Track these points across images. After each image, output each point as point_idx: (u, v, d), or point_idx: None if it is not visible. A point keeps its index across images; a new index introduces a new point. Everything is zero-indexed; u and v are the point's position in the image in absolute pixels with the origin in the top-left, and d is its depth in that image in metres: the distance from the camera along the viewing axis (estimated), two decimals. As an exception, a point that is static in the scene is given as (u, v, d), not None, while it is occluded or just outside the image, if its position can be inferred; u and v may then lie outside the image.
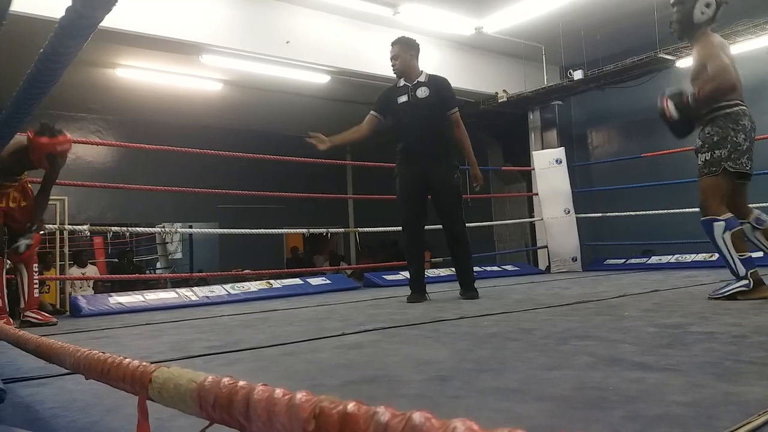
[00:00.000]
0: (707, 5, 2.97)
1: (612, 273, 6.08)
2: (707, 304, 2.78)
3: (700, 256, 5.97)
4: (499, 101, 8.12)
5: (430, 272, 6.25)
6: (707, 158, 2.92)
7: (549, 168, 6.93)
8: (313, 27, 6.55)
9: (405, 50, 3.85)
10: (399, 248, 10.15)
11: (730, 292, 2.88)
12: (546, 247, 7.04)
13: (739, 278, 2.88)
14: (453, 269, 4.21)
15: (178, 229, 7.10)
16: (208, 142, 6.77)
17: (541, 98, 8.15)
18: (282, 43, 6.31)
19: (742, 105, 2.93)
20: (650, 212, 6.26)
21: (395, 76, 3.90)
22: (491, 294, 4.12)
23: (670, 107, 2.95)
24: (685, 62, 6.50)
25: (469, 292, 3.81)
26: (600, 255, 7.21)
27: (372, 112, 3.93)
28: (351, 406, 0.53)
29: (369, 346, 2.03)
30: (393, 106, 3.87)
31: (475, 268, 6.18)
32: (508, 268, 6.56)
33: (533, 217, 7.96)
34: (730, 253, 2.88)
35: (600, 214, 6.92)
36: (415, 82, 3.83)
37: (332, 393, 1.40)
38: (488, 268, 6.25)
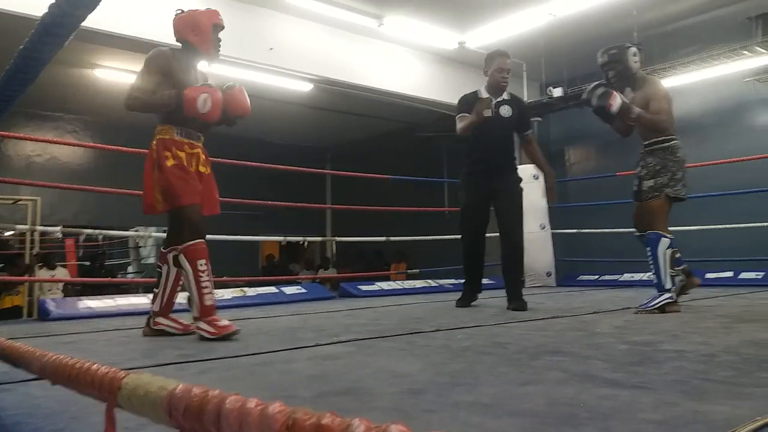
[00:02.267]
0: (635, 54, 3.48)
1: (585, 289, 6.14)
2: (677, 322, 2.82)
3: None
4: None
5: (406, 284, 6.25)
6: (651, 185, 3.35)
7: (527, 183, 6.90)
8: (298, 35, 6.55)
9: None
10: (382, 258, 10.15)
11: (660, 304, 3.24)
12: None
13: (664, 291, 3.27)
14: (456, 279, 4.52)
15: (152, 234, 7.00)
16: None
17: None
18: (265, 50, 6.29)
19: (676, 139, 3.40)
20: (623, 230, 6.34)
21: (503, 88, 3.94)
22: (465, 308, 4.13)
23: (617, 101, 3.28)
24: (666, 82, 6.62)
25: (516, 302, 3.78)
26: (574, 271, 7.28)
27: (460, 115, 3.89)
28: (325, 418, 0.53)
29: (343, 358, 2.02)
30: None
31: (451, 281, 6.23)
32: (484, 281, 6.57)
33: (510, 231, 8.01)
34: (665, 268, 3.29)
35: (575, 231, 7.00)
36: (500, 99, 3.91)
37: (306, 404, 1.39)
38: (463, 281, 6.26)
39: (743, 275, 5.58)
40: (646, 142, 3.45)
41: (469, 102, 3.86)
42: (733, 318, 2.91)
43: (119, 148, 5.04)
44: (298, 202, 6.13)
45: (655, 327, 2.65)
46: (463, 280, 4.28)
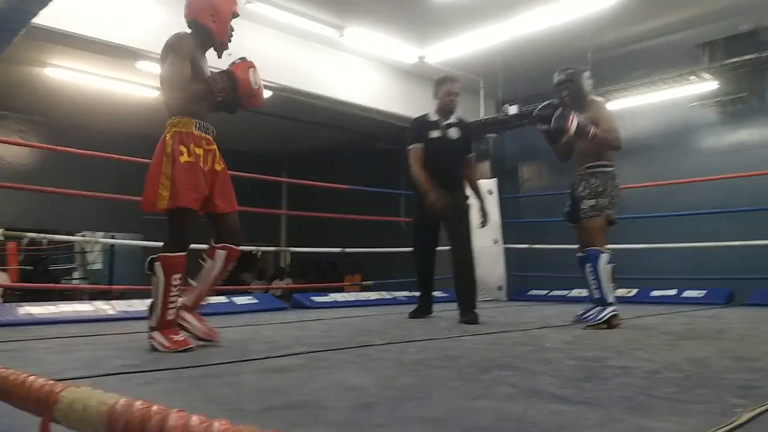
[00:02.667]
0: (589, 77, 3.69)
1: (535, 303, 6.24)
2: (623, 338, 2.89)
3: (619, 292, 6.21)
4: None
5: (360, 296, 6.23)
6: (593, 204, 3.51)
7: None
8: (257, 42, 6.48)
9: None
10: (336, 269, 10.09)
11: (606, 317, 3.35)
12: (474, 275, 7.15)
13: (607, 305, 3.41)
14: (418, 291, 4.53)
15: (99, 239, 6.79)
16: (140, 149, 6.55)
17: (476, 130, 8.34)
18: (223, 55, 6.20)
19: (614, 166, 3.61)
20: (573, 246, 6.49)
21: (452, 111, 4.08)
22: (418, 319, 4.14)
23: (574, 123, 3.39)
24: (615, 104, 6.84)
25: (466, 315, 3.82)
26: (525, 285, 7.39)
27: (416, 146, 4.06)
28: (271, 438, 0.51)
29: (293, 370, 1.99)
30: (424, 139, 4.05)
31: (405, 293, 6.23)
32: (437, 294, 6.60)
33: (464, 245, 8.09)
34: (607, 282, 3.43)
35: (526, 246, 7.12)
36: (449, 121, 4.06)
37: (253, 419, 1.36)
38: (417, 294, 6.28)
39: (686, 293, 5.77)
40: (589, 164, 3.57)
41: (419, 128, 4.08)
42: (675, 335, 3.00)
43: (67, 149, 4.87)
44: (252, 208, 6.05)
45: (602, 343, 2.70)
46: (417, 293, 4.39)
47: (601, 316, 3.36)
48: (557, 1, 6.00)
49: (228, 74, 2.60)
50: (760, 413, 1.30)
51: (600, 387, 1.65)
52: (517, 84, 7.67)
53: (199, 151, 2.57)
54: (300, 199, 11.00)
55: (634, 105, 7.02)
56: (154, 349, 2.45)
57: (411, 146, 4.05)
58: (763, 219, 5.99)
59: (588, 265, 3.48)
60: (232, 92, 2.62)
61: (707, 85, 6.65)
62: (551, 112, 3.50)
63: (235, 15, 2.79)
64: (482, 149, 8.80)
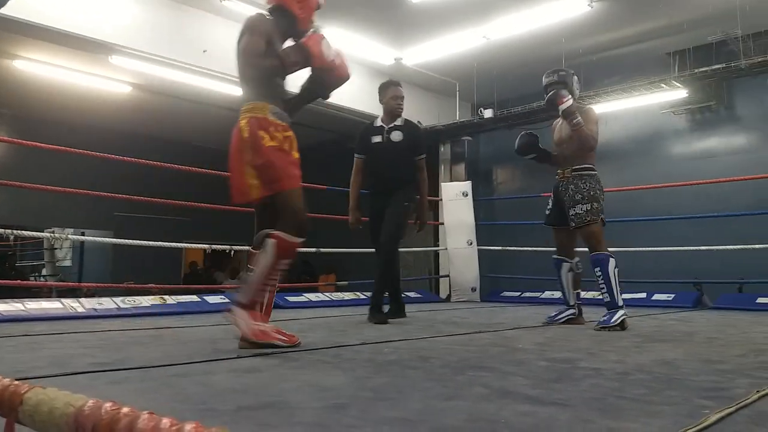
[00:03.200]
0: (577, 81, 3.78)
1: (508, 305, 6.29)
2: (594, 340, 2.93)
3: (590, 294, 6.29)
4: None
5: (335, 296, 6.22)
6: (588, 208, 3.53)
7: (456, 200, 7.14)
8: (233, 39, 6.41)
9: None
10: (311, 269, 10.05)
11: (620, 320, 3.38)
12: (448, 276, 7.20)
13: (618, 308, 3.43)
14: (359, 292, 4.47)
15: (69, 236, 6.66)
16: (112, 146, 6.43)
17: (452, 132, 8.41)
18: (198, 52, 6.14)
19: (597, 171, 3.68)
20: (546, 249, 6.56)
21: (398, 114, 4.12)
22: (392, 320, 4.14)
23: (568, 99, 3.58)
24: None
25: (373, 314, 3.92)
26: (498, 287, 7.45)
27: (357, 155, 4.21)
28: (244, 440, 0.51)
29: (266, 370, 1.97)
30: (368, 145, 4.14)
31: (379, 294, 6.23)
32: (411, 294, 6.63)
33: (438, 246, 8.14)
34: (616, 286, 3.46)
35: (500, 248, 7.18)
36: (392, 125, 4.10)
37: (224, 419, 1.35)
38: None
39: (656, 297, 5.87)
40: (576, 167, 3.63)
41: (363, 136, 4.20)
42: (645, 338, 3.05)
43: (37, 144, 4.77)
44: (226, 207, 5.99)
45: (573, 344, 2.73)
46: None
47: (614, 319, 3.39)
48: (532, 6, 6.06)
49: (299, 47, 2.49)
50: (728, 415, 1.33)
51: (571, 388, 1.67)
52: (493, 87, 7.73)
53: (279, 136, 2.44)
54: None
55: (606, 111, 7.13)
56: (234, 325, 2.35)
57: (355, 156, 4.21)
58: (730, 224, 6.13)
59: (596, 269, 3.50)
60: (305, 66, 2.51)
61: (677, 93, 6.78)
62: (533, 140, 3.83)
63: (319, 6, 2.70)
64: (457, 152, 8.86)
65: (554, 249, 3.87)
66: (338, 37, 6.58)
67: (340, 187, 7.68)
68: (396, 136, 4.09)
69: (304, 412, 1.37)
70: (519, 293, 6.96)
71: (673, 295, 5.82)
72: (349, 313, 4.88)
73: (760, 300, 5.28)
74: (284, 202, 2.41)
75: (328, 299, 6.00)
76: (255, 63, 2.47)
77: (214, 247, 5.51)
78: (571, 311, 3.79)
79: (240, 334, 2.38)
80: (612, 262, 3.48)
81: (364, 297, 6.15)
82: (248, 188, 2.39)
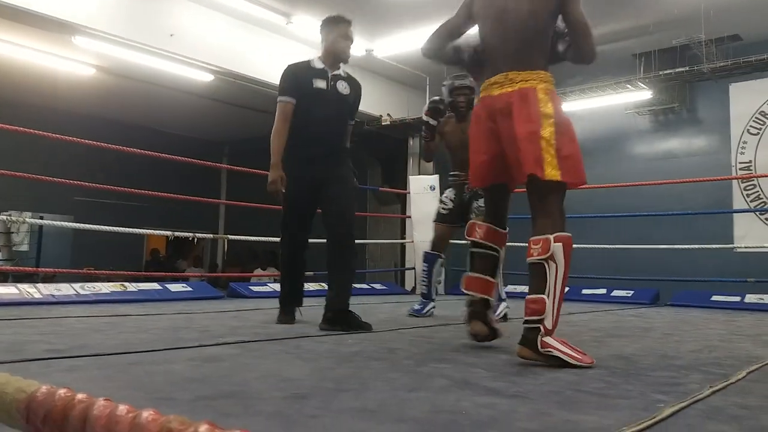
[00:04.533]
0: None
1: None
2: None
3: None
4: (383, 124, 8.29)
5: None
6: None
7: (423, 193, 7.16)
8: (202, 24, 6.32)
9: None
10: (276, 259, 9.96)
11: (503, 313, 3.61)
12: (413, 268, 7.23)
13: (501, 300, 3.66)
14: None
15: (27, 219, 6.47)
16: (74, 129, 6.26)
17: (421, 125, 8.43)
18: (165, 35, 6.02)
19: None
20: (511, 243, 6.65)
21: (345, 60, 3.26)
22: (358, 312, 4.13)
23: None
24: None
25: (337, 316, 2.98)
26: (461, 280, 7.51)
27: (287, 98, 3.10)
28: (203, 428, 0.49)
29: (227, 360, 1.95)
30: (305, 89, 3.11)
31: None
32: (377, 286, 6.65)
33: (404, 238, 8.16)
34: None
35: (465, 241, 7.23)
36: (337, 73, 3.22)
37: (183, 408, 1.33)
38: (357, 286, 6.30)
39: (615, 293, 6.00)
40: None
41: (297, 76, 3.14)
42: (604, 332, 3.11)
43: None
44: (190, 196, 5.90)
45: (534, 338, 2.77)
46: (359, 285, 4.08)
47: (499, 311, 3.56)
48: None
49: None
50: (681, 409, 1.36)
51: (531, 381, 1.70)
52: (463, 82, 7.76)
53: None
54: (241, 186, 10.81)
55: (572, 110, 7.23)
56: (557, 360, 1.91)
57: (280, 98, 3.11)
58: (689, 223, 6.30)
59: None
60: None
61: (642, 94, 6.92)
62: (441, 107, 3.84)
63: None
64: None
65: (432, 243, 4.13)
66: (309, 26, 6.53)
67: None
68: (343, 87, 3.20)
69: (265, 402, 1.35)
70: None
71: (632, 292, 5.95)
72: (314, 303, 4.85)
73: (715, 298, 5.45)
74: (560, 198, 2.10)
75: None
76: (592, 37, 2.15)
77: (177, 234, 5.42)
78: (433, 305, 4.05)
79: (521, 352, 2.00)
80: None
81: (329, 288, 6.15)
82: (543, 163, 2.01)
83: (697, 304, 5.37)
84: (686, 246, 5.74)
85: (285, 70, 3.20)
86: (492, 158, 2.19)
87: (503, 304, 3.65)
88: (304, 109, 3.10)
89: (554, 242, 1.98)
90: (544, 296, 1.95)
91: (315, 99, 3.11)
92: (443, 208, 4.01)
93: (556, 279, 1.97)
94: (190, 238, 5.83)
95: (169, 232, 5.45)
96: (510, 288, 6.83)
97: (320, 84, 3.13)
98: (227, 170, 11.48)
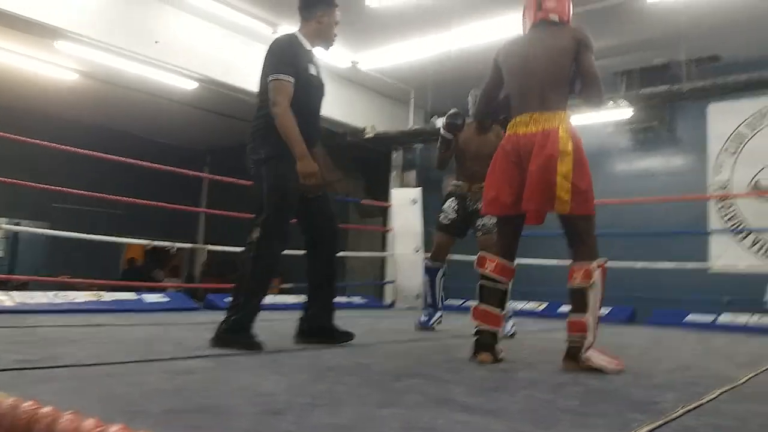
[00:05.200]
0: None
1: (450, 313, 6.34)
2: (533, 350, 2.98)
3: (530, 305, 6.42)
4: (366, 136, 8.30)
5: (279, 299, 6.14)
6: (495, 221, 3.67)
7: (405, 206, 7.18)
8: (188, 32, 6.29)
9: None
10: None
11: (512, 331, 3.67)
12: (393, 282, 7.22)
13: (437, 309, 4.00)
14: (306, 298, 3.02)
15: (3, 225, 6.36)
16: (54, 133, 6.18)
17: (404, 139, 8.44)
18: (149, 42, 5.98)
19: None
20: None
21: (329, 45, 2.99)
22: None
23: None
24: (536, 125, 7.09)
25: (327, 330, 2.87)
26: (471, 310, 7.51)
27: (287, 77, 2.66)
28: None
29: (201, 373, 1.92)
30: (302, 73, 2.74)
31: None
32: (356, 300, 6.62)
33: (386, 251, 8.15)
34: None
35: (459, 257, 7.23)
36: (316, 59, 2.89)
37: (154, 422, 1.30)
38: (336, 299, 6.27)
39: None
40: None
41: (295, 55, 2.77)
42: (581, 349, 3.12)
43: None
44: (170, 204, 5.84)
45: (512, 354, 2.77)
46: (338, 298, 3.35)
47: (508, 328, 3.61)
48: (488, 18, 6.16)
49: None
50: (655, 428, 1.37)
51: (507, 398, 1.69)
52: (447, 97, 7.80)
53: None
54: (222, 195, 10.73)
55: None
56: (598, 370, 2.18)
57: (280, 76, 2.65)
58: (667, 242, 6.37)
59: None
60: None
61: (623, 112, 7.00)
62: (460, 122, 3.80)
63: None
64: (409, 159, 8.91)
65: (432, 253, 4.12)
66: (294, 37, 6.55)
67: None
68: (322, 74, 2.92)
69: (238, 417, 1.33)
70: (462, 301, 7.04)
71: (609, 309, 5.99)
72: (293, 317, 4.81)
73: (690, 318, 5.50)
74: (590, 226, 2.38)
75: (272, 302, 5.91)
76: (602, 86, 2.47)
77: (155, 243, 5.37)
78: (440, 314, 4.06)
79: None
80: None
81: (309, 300, 6.10)
82: (556, 200, 2.27)
83: (673, 323, 5.43)
84: (662, 265, 5.80)
85: (281, 42, 2.79)
86: (513, 191, 2.37)
87: (511, 321, 3.61)
88: (300, 97, 2.68)
89: (595, 270, 2.26)
90: (586, 317, 2.23)
91: (309, 87, 2.78)
92: (445, 218, 3.96)
93: (595, 302, 2.26)
94: (168, 249, 5.76)
95: (147, 241, 5.39)
96: (472, 302, 6.85)
97: (313, 70, 2.82)
98: (208, 179, 11.39)
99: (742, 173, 6.80)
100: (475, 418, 1.41)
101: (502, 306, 2.49)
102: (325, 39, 2.92)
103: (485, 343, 2.44)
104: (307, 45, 2.84)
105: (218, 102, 7.74)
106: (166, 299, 5.07)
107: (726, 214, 6.86)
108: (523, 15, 2.60)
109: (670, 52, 6.36)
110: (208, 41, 6.49)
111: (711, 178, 6.97)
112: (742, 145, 6.86)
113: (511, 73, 2.51)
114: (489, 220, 3.73)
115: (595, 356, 2.21)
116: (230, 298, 2.75)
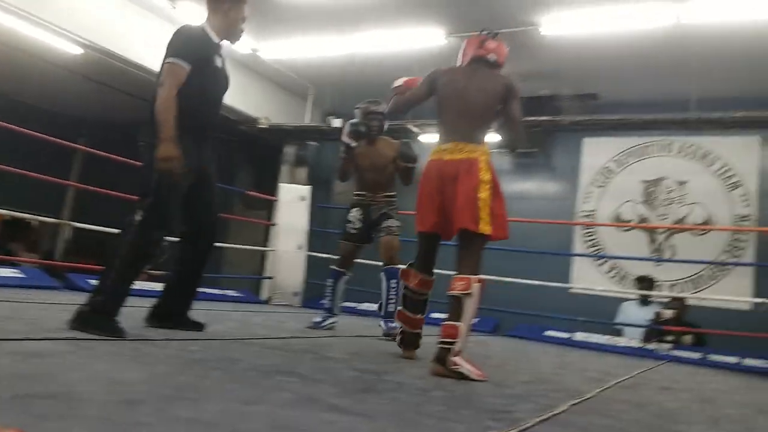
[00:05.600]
0: None
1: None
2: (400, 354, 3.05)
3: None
4: (259, 127, 8.12)
5: (147, 285, 5.85)
6: (398, 224, 4.01)
7: (292, 203, 7.10)
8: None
9: None
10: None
11: (328, 324, 3.99)
12: (272, 278, 7.11)
13: (333, 314, 4.14)
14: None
15: None
16: None
17: (299, 135, 8.36)
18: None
19: None
20: (372, 262, 6.75)
21: (235, 40, 2.99)
22: (207, 318, 3.98)
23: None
24: (428, 137, 7.30)
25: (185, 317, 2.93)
26: (320, 294, 7.50)
27: (182, 62, 2.62)
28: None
29: (55, 357, 1.78)
30: (203, 63, 2.73)
31: (203, 289, 5.97)
32: (231, 293, 6.44)
33: (267, 246, 8.01)
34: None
35: (328, 255, 7.23)
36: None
37: (-7, 409, 1.19)
38: (209, 291, 6.06)
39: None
40: (387, 194, 4.10)
41: (197, 46, 2.74)
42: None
43: None
44: (36, 174, 5.37)
45: (383, 357, 2.83)
46: (212, 289, 3.40)
47: (326, 322, 4.00)
48: (394, 28, 6.26)
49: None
50: (507, 435, 1.45)
51: (375, 400, 1.72)
52: (346, 99, 7.82)
53: None
54: (96, 171, 10.06)
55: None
56: (461, 375, 2.33)
57: (174, 60, 2.62)
58: (535, 261, 6.76)
59: (392, 281, 3.88)
60: None
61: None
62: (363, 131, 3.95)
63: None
64: (301, 155, 8.83)
65: (339, 260, 4.26)
66: (195, 13, 6.28)
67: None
68: (227, 68, 2.95)
69: (92, 405, 1.25)
70: (355, 305, 7.08)
71: (476, 320, 6.26)
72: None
73: (548, 333, 5.88)
74: (483, 246, 2.63)
75: (140, 288, 5.60)
76: (521, 130, 2.81)
77: (13, 214, 4.93)
78: (334, 319, 4.15)
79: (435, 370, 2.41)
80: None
81: (181, 289, 5.86)
82: (479, 220, 2.53)
83: (533, 337, 5.77)
84: (528, 281, 6.15)
85: (182, 30, 2.75)
86: (436, 211, 2.64)
87: (332, 318, 4.09)
88: (198, 86, 2.67)
89: (474, 283, 2.50)
90: (460, 325, 2.43)
91: (211, 78, 2.79)
92: (352, 228, 4.11)
93: (470, 313, 2.48)
94: (28, 221, 5.32)
95: (4, 211, 4.94)
96: (348, 303, 6.96)
97: (218, 62, 2.85)
98: (83, 152, 10.65)
99: (607, 205, 7.40)
100: (342, 418, 1.42)
101: (423, 313, 2.89)
102: (232, 33, 2.92)
103: (409, 342, 2.88)
104: (214, 38, 2.84)
105: (103, 72, 7.25)
106: (22, 275, 4.67)
107: (589, 241, 7.42)
108: (465, 48, 2.89)
109: (555, 85, 6.79)
110: (101, 7, 6.08)
111: (579, 206, 7.52)
112: (608, 180, 7.45)
113: (446, 100, 2.74)
114: (394, 223, 3.96)
115: (461, 362, 2.37)
116: (96, 280, 2.66)
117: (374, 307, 6.82)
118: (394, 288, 3.85)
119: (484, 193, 2.54)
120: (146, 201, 2.57)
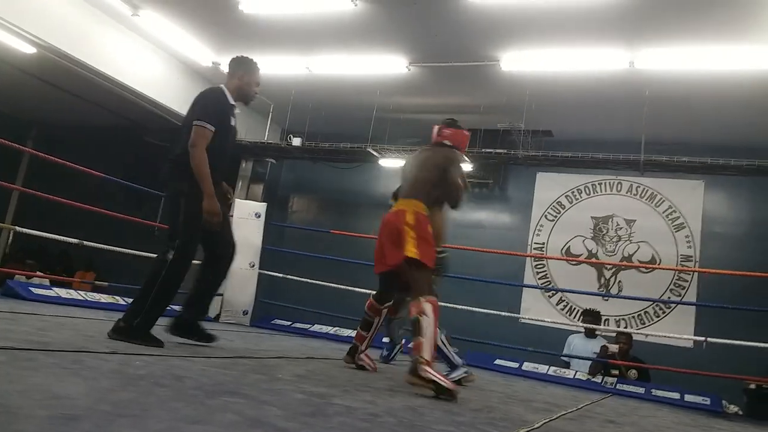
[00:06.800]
0: None
1: (277, 333, 6.26)
2: (353, 376, 3.02)
3: (349, 333, 6.50)
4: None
5: (90, 296, 5.65)
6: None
7: (247, 219, 7.01)
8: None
9: None
10: (69, 261, 8.98)
11: (459, 377, 3.74)
12: (221, 295, 6.97)
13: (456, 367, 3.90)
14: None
15: None
16: None
17: (257, 151, 8.28)
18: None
19: None
20: (326, 283, 6.71)
21: (249, 102, 3.60)
22: (153, 334, 3.86)
23: None
24: (388, 162, 7.34)
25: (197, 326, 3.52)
26: (270, 313, 7.39)
27: (210, 126, 3.16)
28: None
29: (-13, 367, 1.69)
30: (223, 123, 3.27)
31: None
32: (178, 308, 6.27)
33: (217, 262, 7.86)
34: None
35: (281, 275, 7.15)
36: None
37: None
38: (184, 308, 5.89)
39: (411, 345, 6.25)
40: None
41: (223, 108, 3.31)
42: (398, 382, 3.22)
43: None
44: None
45: (332, 380, 2.79)
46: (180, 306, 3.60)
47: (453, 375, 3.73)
48: (355, 53, 6.31)
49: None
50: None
51: (322, 423, 1.69)
52: (305, 117, 7.82)
53: (429, 230, 3.17)
54: (43, 174, 9.72)
55: (399, 167, 7.60)
56: (434, 383, 2.68)
57: (204, 123, 3.14)
58: (486, 290, 6.83)
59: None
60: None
61: (464, 166, 7.48)
62: None
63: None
64: (258, 172, 8.75)
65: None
66: (155, 22, 6.19)
67: (123, 180, 7.09)
68: (237, 124, 3.53)
69: (26, 420, 1.19)
70: (290, 323, 6.98)
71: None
72: (103, 317, 4.46)
73: (498, 362, 5.93)
74: (422, 274, 3.03)
75: (82, 298, 5.43)
76: (460, 193, 3.36)
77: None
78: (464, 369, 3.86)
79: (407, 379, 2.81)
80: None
81: (124, 303, 5.68)
82: (407, 245, 3.01)
83: (482, 366, 5.80)
84: (479, 310, 6.20)
85: (210, 94, 3.32)
86: (380, 257, 3.27)
87: (461, 370, 3.80)
88: (218, 142, 3.20)
89: (424, 303, 2.89)
90: (421, 339, 2.80)
91: (227, 135, 3.32)
92: None
93: (429, 328, 2.84)
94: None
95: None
96: (299, 325, 6.87)
97: (233, 122, 3.38)
98: (30, 154, 10.28)
99: (557, 238, 7.57)
100: (289, 441, 1.39)
101: (367, 330, 3.58)
102: (246, 96, 3.48)
103: (352, 350, 3.59)
104: (230, 99, 3.37)
105: (57, 73, 7.05)
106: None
107: (539, 273, 7.56)
108: (433, 133, 3.71)
109: (512, 119, 6.94)
110: (58, 7, 5.93)
111: (531, 238, 7.66)
112: (560, 214, 7.63)
113: (404, 171, 3.54)
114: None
115: (431, 371, 2.71)
116: (132, 301, 3.30)
117: (324, 329, 6.78)
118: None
119: (411, 233, 3.04)
120: (178, 243, 3.13)
